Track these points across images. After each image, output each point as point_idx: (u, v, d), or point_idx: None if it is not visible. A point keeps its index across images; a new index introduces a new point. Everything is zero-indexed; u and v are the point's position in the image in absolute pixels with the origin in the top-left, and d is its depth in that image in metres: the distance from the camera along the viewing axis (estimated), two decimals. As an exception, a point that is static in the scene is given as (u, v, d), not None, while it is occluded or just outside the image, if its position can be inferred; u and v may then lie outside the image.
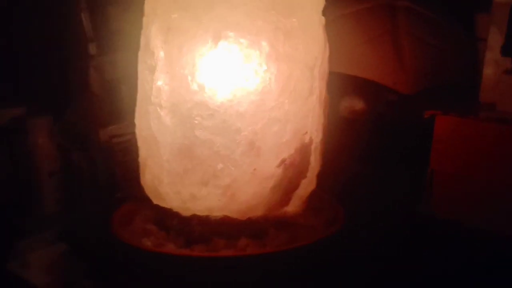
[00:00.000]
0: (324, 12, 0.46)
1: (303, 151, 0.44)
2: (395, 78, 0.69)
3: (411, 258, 0.47)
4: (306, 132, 0.44)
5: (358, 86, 0.71)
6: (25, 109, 0.74)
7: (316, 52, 0.44)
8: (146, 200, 0.51)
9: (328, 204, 0.51)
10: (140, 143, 0.48)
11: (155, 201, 0.46)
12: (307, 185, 0.46)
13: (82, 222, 0.53)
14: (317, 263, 0.42)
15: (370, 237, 0.48)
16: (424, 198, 0.55)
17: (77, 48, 0.81)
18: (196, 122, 0.43)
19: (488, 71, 0.64)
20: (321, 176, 0.47)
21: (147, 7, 0.46)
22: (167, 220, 0.46)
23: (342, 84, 0.70)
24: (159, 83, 0.45)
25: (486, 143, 0.51)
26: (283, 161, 0.43)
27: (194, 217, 0.44)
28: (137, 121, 0.48)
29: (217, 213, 0.44)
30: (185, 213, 0.45)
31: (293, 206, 0.45)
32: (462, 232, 0.51)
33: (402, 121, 0.66)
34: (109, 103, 0.77)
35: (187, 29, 0.43)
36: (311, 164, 0.45)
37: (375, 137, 0.65)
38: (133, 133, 0.73)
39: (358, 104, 0.72)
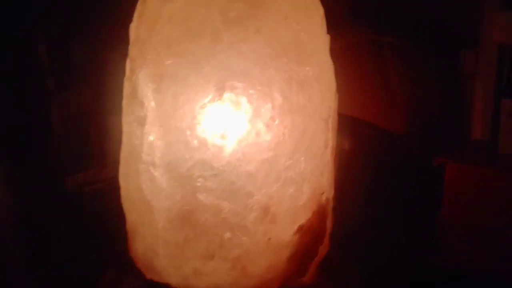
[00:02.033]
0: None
1: (321, 213, 0.39)
2: (387, 117, 0.66)
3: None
4: (323, 192, 0.39)
5: (346, 124, 0.68)
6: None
7: (330, 101, 0.39)
8: (130, 267, 0.44)
9: (338, 263, 0.45)
10: (127, 206, 0.41)
11: (148, 276, 0.40)
12: (323, 249, 0.40)
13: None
14: None
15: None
16: (436, 247, 0.51)
17: (35, 85, 0.73)
18: (198, 184, 0.37)
19: (482, 109, 0.62)
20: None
21: (134, 50, 0.40)
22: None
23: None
24: (151, 138, 0.38)
25: (499, 191, 0.48)
26: (301, 227, 0.37)
27: (197, 295, 0.38)
28: (122, 180, 0.42)
29: (224, 290, 0.38)
30: (186, 289, 0.38)
31: (310, 275, 0.40)
32: (475, 283, 0.48)
33: (399, 162, 0.63)
34: (76, 145, 0.70)
35: (185, 77, 0.37)
36: (327, 226, 0.40)
37: (372, 181, 0.61)
38: (106, 180, 0.67)
39: (345, 144, 0.68)
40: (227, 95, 0.36)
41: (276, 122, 0.36)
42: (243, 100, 0.36)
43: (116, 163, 0.68)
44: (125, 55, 0.77)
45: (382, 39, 0.69)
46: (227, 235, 0.37)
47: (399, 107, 0.66)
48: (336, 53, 0.68)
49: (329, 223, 0.41)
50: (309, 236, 0.38)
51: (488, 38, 0.60)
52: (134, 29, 0.40)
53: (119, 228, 0.63)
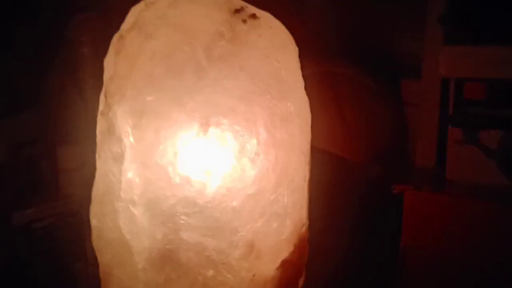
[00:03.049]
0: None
1: (301, 246, 0.40)
2: (342, 145, 0.69)
3: None
4: (303, 225, 0.40)
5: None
6: None
7: (308, 136, 0.41)
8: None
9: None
10: (100, 247, 0.39)
11: (125, 320, 0.38)
12: (302, 282, 0.41)
13: None
14: None
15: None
16: (399, 276, 0.53)
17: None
18: (181, 221, 0.36)
19: (424, 137, 0.66)
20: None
21: (111, 86, 0.39)
22: None
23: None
24: (130, 175, 0.37)
25: (454, 216, 0.52)
26: (284, 261, 0.38)
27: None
28: (95, 220, 0.40)
29: (208, 330, 0.37)
30: (167, 332, 0.37)
31: (289, 308, 0.40)
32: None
33: (357, 188, 0.65)
34: (22, 177, 0.67)
35: (167, 113, 0.37)
36: (306, 258, 0.41)
37: (335, 209, 0.63)
38: (56, 215, 0.63)
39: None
40: (212, 131, 0.36)
41: (261, 157, 0.37)
42: (229, 135, 0.36)
43: (68, 197, 0.66)
44: (73, 81, 0.75)
45: (335, 70, 0.72)
46: (211, 273, 0.36)
47: (353, 134, 0.69)
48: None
49: (306, 256, 0.42)
50: (291, 270, 0.39)
51: (430, 70, 0.64)
52: (111, 65, 0.39)
53: (75, 265, 0.60)
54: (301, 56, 0.76)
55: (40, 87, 0.73)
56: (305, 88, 0.70)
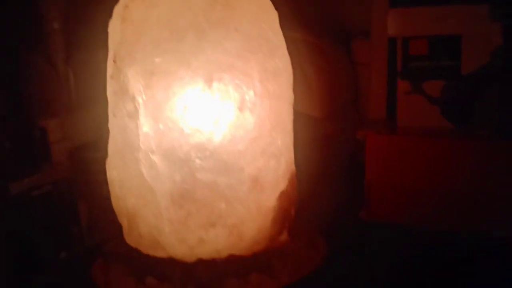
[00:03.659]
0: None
1: (293, 181, 0.47)
2: (306, 103, 0.76)
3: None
4: (293, 162, 0.47)
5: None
6: None
7: (291, 87, 0.48)
8: (114, 254, 0.48)
9: (299, 225, 0.54)
10: (122, 194, 0.45)
11: (151, 252, 0.44)
12: (293, 212, 0.49)
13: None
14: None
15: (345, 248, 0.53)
16: (365, 205, 0.62)
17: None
18: (196, 165, 0.42)
19: (375, 92, 0.74)
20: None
21: (121, 52, 0.44)
22: (166, 270, 0.44)
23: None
24: (146, 129, 0.43)
25: (410, 155, 0.61)
26: (282, 193, 0.45)
27: (200, 261, 0.43)
28: (115, 171, 0.45)
29: (224, 254, 0.44)
30: (188, 259, 0.43)
31: (285, 234, 0.48)
32: (397, 232, 0.60)
33: (321, 141, 0.74)
34: (14, 148, 0.69)
35: (174, 72, 0.42)
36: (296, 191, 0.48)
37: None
38: (52, 183, 0.66)
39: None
40: (215, 85, 0.42)
41: (258, 106, 0.43)
42: (230, 89, 0.42)
43: (59, 165, 0.69)
44: (46, 56, 0.76)
45: (295, 36, 0.79)
46: (223, 206, 0.43)
47: (316, 93, 0.77)
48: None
49: (296, 189, 0.49)
50: (286, 200, 0.46)
51: (378, 32, 0.72)
52: (118, 32, 0.43)
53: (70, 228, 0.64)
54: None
55: (16, 63, 0.75)
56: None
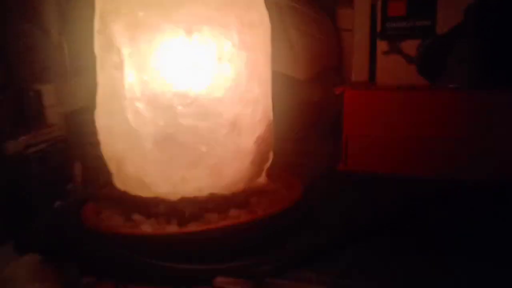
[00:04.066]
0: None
1: (269, 127, 0.51)
2: (291, 67, 0.80)
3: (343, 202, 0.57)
4: (270, 110, 0.51)
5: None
6: None
7: (269, 41, 0.51)
8: (104, 198, 0.52)
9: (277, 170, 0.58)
10: (110, 140, 0.49)
11: (137, 192, 0.48)
12: (270, 156, 0.53)
13: (45, 230, 0.51)
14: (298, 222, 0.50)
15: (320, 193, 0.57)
16: (342, 157, 0.66)
17: None
18: (178, 111, 0.46)
19: (361, 54, 0.78)
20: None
21: (106, 8, 0.47)
22: (151, 208, 0.48)
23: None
24: (130, 79, 0.46)
25: (384, 108, 0.65)
26: (258, 137, 0.49)
27: (183, 199, 0.47)
28: (103, 119, 0.49)
29: (205, 192, 0.48)
30: (172, 197, 0.47)
31: (263, 177, 0.52)
32: (373, 180, 0.64)
33: (303, 102, 0.77)
34: (6, 111, 0.72)
35: (156, 25, 0.46)
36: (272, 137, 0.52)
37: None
38: (46, 142, 0.70)
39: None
40: (195, 37, 0.46)
41: (235, 56, 0.47)
42: (209, 40, 0.46)
43: (53, 126, 0.73)
44: (34, 24, 0.79)
45: (280, 2, 0.82)
46: (204, 148, 0.47)
47: (299, 57, 0.81)
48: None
49: (272, 136, 0.53)
50: (264, 145, 0.50)
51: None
52: (103, -13, 0.47)
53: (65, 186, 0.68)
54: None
55: (8, 32, 0.78)
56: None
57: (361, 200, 0.58)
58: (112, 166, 0.50)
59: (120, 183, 0.49)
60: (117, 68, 0.47)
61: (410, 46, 0.69)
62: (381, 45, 0.72)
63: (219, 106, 0.46)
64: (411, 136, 0.64)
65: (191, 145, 0.46)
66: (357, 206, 0.56)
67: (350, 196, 0.59)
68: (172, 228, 0.45)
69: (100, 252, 0.44)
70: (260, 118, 0.49)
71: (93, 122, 0.52)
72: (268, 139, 0.51)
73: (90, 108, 0.73)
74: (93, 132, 0.54)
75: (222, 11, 0.46)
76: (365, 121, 0.65)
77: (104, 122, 0.49)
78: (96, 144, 0.55)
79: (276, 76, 0.78)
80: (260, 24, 0.49)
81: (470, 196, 0.57)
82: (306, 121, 0.74)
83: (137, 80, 0.46)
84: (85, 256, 0.45)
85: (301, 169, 0.63)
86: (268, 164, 0.52)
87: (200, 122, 0.46)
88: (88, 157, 0.72)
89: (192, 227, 0.46)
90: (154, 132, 0.46)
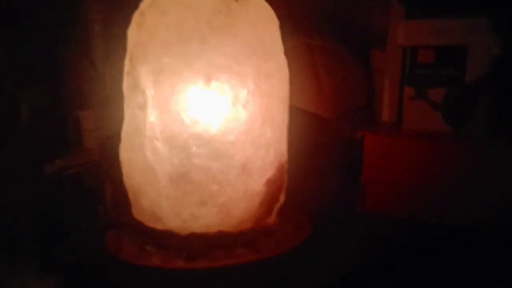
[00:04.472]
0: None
1: (281, 170, 0.53)
2: (317, 104, 0.82)
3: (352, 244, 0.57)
4: (283, 154, 0.53)
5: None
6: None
7: (286, 88, 0.53)
8: (127, 226, 0.55)
9: (291, 211, 0.60)
10: (130, 173, 0.52)
11: (151, 224, 0.51)
12: (282, 198, 0.54)
13: (69, 253, 0.55)
14: (304, 262, 0.51)
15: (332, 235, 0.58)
16: (361, 200, 0.67)
17: (2, 82, 0.80)
18: (193, 151, 0.49)
19: (389, 96, 0.79)
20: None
21: (136, 52, 0.51)
22: (164, 240, 0.51)
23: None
24: (152, 118, 0.50)
25: (404, 154, 0.65)
26: (268, 179, 0.51)
27: (193, 234, 0.50)
28: (125, 153, 0.53)
29: (213, 229, 0.50)
30: (183, 232, 0.50)
31: (273, 217, 0.54)
32: (391, 224, 0.64)
33: (329, 140, 0.79)
34: (47, 137, 0.78)
35: (179, 71, 0.49)
36: (285, 180, 0.54)
37: (314, 156, 0.76)
38: (81, 165, 0.76)
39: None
40: (213, 84, 0.49)
41: (250, 103, 0.50)
42: (226, 87, 0.49)
43: (89, 150, 0.78)
44: (81, 55, 0.86)
45: (312, 42, 0.85)
46: (215, 187, 0.49)
47: (326, 96, 0.82)
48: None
49: (286, 178, 0.55)
50: (274, 187, 0.52)
51: (394, 41, 0.77)
52: (135, 35, 0.51)
53: (96, 202, 0.73)
54: (283, 31, 0.89)
55: (58, 60, 0.84)
56: (287, 58, 0.83)
57: (371, 241, 0.58)
58: (130, 197, 0.53)
59: (136, 214, 0.53)
60: (141, 108, 0.51)
61: (437, 93, 0.70)
62: (408, 91, 0.73)
63: (231, 149, 0.49)
64: (429, 183, 0.64)
65: (202, 184, 0.49)
66: (365, 247, 0.56)
67: (361, 237, 0.59)
68: (179, 263, 0.48)
69: (117, 279, 0.47)
70: (271, 161, 0.51)
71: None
72: (279, 181, 0.53)
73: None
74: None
75: (239, 61, 0.49)
76: (385, 165, 0.66)
77: (126, 155, 0.52)
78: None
79: (302, 114, 0.82)
80: (277, 73, 0.51)
81: (486, 244, 0.56)
82: (330, 159, 0.75)
83: (158, 120, 0.50)
84: (103, 282, 0.48)
85: (317, 208, 0.64)
86: (278, 205, 0.54)
87: (213, 163, 0.49)
88: (119, 181, 0.77)
89: (198, 263, 0.48)
90: (169, 169, 0.49)
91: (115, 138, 0.80)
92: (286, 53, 0.83)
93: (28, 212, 0.72)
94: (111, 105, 0.83)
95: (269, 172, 0.51)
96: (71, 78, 0.85)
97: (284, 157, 0.54)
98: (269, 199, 0.52)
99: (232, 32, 0.49)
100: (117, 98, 0.83)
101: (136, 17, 0.52)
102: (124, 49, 0.83)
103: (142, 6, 0.51)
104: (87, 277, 0.49)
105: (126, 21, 0.81)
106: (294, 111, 0.80)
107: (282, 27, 0.86)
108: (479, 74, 0.67)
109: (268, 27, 0.51)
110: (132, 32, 0.52)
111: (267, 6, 0.53)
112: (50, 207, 0.72)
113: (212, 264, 0.48)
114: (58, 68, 0.84)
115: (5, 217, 0.70)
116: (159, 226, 0.51)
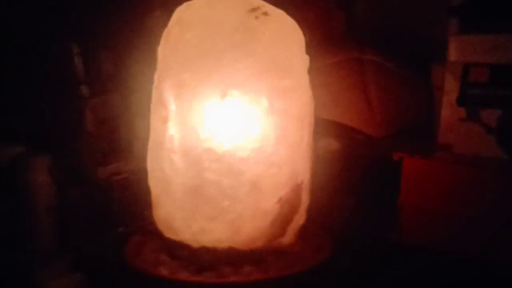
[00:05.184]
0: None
1: (296, 190, 0.52)
2: (366, 122, 0.79)
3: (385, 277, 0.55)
4: (298, 174, 0.52)
5: (333, 129, 0.81)
6: (25, 148, 0.80)
7: (305, 107, 0.52)
8: (152, 233, 0.58)
9: (315, 233, 0.58)
10: (152, 183, 0.54)
11: (167, 234, 0.53)
12: (299, 219, 0.53)
13: (95, 254, 0.59)
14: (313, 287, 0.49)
15: (354, 261, 0.56)
16: (395, 227, 0.63)
17: (71, 90, 0.87)
18: (205, 165, 0.50)
19: (445, 117, 0.74)
20: (309, 210, 0.55)
21: (160, 67, 0.53)
22: (178, 251, 0.52)
23: (319, 127, 0.79)
24: (171, 132, 0.52)
25: (445, 180, 0.61)
26: (280, 198, 0.50)
27: (203, 248, 0.51)
28: (149, 164, 0.55)
29: (223, 244, 0.50)
30: (195, 244, 0.51)
31: (288, 237, 0.53)
32: (426, 256, 0.60)
33: (373, 160, 0.76)
34: (104, 142, 0.84)
35: (197, 86, 0.51)
36: (302, 200, 0.53)
37: (348, 173, 0.74)
38: (130, 171, 0.80)
39: (333, 145, 0.81)
40: (228, 100, 0.50)
41: (263, 120, 0.50)
42: (240, 103, 0.49)
43: (139, 158, 0.82)
44: (148, 67, 0.91)
45: (363, 57, 0.82)
46: (226, 203, 0.50)
47: (376, 114, 0.79)
48: (327, 69, 0.83)
49: (304, 199, 0.54)
50: (287, 207, 0.51)
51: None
52: (161, 50, 0.53)
53: (141, 207, 0.76)
54: (337, 44, 0.87)
55: (122, 73, 0.90)
56: (335, 72, 0.81)
57: (396, 271, 0.55)
58: (153, 207, 0.55)
59: (156, 223, 0.55)
60: (163, 121, 0.53)
61: (490, 115, 0.64)
62: (459, 111, 0.68)
63: (242, 165, 0.49)
64: (469, 213, 0.59)
65: (213, 199, 0.50)
66: (388, 277, 0.53)
67: (386, 267, 0.56)
68: (185, 275, 0.49)
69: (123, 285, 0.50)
70: (284, 180, 0.51)
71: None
72: (293, 201, 0.52)
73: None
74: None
75: (254, 78, 0.49)
76: (422, 191, 0.62)
77: (151, 166, 0.55)
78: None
79: (349, 131, 0.79)
80: (292, 91, 0.51)
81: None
82: (369, 181, 0.72)
83: (176, 134, 0.52)
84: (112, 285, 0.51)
85: (344, 231, 0.62)
86: (295, 226, 0.53)
87: (224, 178, 0.49)
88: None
89: (203, 277, 0.49)
90: (183, 182, 0.51)
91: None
92: (333, 68, 0.82)
93: (78, 211, 0.77)
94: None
95: (282, 191, 0.51)
96: (133, 92, 0.90)
97: (301, 177, 0.53)
98: (282, 219, 0.51)
99: (247, 49, 0.49)
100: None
101: (164, 35, 0.54)
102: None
103: (170, 23, 0.54)
104: (99, 278, 0.51)
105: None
106: (337, 126, 0.79)
107: (328, 42, 0.84)
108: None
109: (286, 44, 0.51)
110: (161, 49, 0.54)
111: (289, 23, 0.53)
112: (98, 209, 0.77)
113: (217, 279, 0.48)
114: (127, 81, 0.90)
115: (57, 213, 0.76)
116: (173, 236, 0.52)
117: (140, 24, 0.88)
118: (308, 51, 0.86)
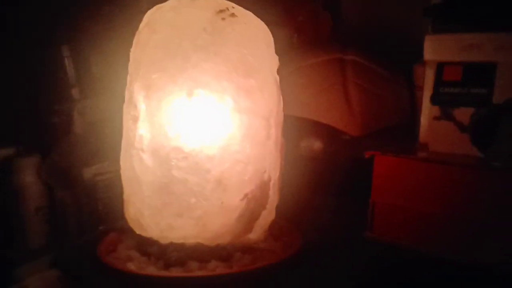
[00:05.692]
0: (284, 65, 0.56)
1: (263, 187, 0.53)
2: (345, 122, 0.80)
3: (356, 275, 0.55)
4: (265, 171, 0.53)
5: (315, 128, 0.82)
6: (14, 149, 0.82)
7: (271, 105, 0.54)
8: (127, 231, 0.59)
9: (287, 231, 0.59)
10: (124, 182, 0.56)
11: (137, 232, 0.54)
12: (267, 215, 0.54)
13: (72, 251, 0.60)
14: (277, 282, 0.50)
15: (323, 258, 0.56)
16: (368, 225, 0.64)
17: (61, 93, 0.89)
18: (173, 163, 0.51)
19: (424, 116, 0.74)
20: (282, 208, 0.56)
21: (131, 68, 0.55)
22: (147, 247, 0.54)
23: (301, 127, 0.80)
24: (141, 131, 0.53)
25: (417, 178, 0.61)
26: (246, 195, 0.51)
27: (171, 244, 0.52)
28: (121, 163, 0.56)
29: (190, 241, 0.52)
30: (163, 241, 0.52)
31: (255, 234, 0.54)
32: (399, 253, 0.61)
33: (352, 158, 0.76)
34: (91, 144, 0.85)
35: (165, 87, 0.52)
36: (270, 197, 0.54)
37: (330, 173, 0.75)
38: (115, 172, 0.82)
39: (315, 144, 0.82)
40: (194, 99, 0.51)
41: (229, 119, 0.51)
42: (206, 102, 0.51)
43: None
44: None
45: (344, 57, 0.83)
46: (193, 200, 0.51)
47: (356, 113, 0.80)
48: (308, 69, 0.84)
49: (273, 196, 0.55)
50: (254, 203, 0.52)
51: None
52: (132, 52, 0.55)
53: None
54: (316, 46, 0.88)
55: (112, 76, 0.92)
56: (315, 72, 0.82)
57: (365, 269, 0.55)
58: (124, 204, 0.57)
59: (128, 220, 0.56)
60: (134, 121, 0.54)
61: (464, 113, 0.65)
62: (433, 110, 0.68)
63: (208, 163, 0.50)
64: (440, 211, 0.59)
65: (180, 196, 0.51)
66: (356, 275, 0.54)
67: (355, 263, 0.57)
68: (152, 270, 0.50)
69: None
70: (249, 178, 0.52)
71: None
72: (260, 199, 0.53)
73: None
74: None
75: (219, 78, 0.50)
76: (394, 189, 0.63)
77: (122, 165, 0.56)
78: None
79: (330, 131, 0.80)
80: (259, 90, 0.52)
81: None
82: (343, 179, 0.73)
83: (146, 133, 0.53)
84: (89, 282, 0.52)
85: (317, 229, 0.63)
86: (263, 222, 0.54)
87: (190, 176, 0.51)
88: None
89: (170, 272, 0.50)
90: (152, 180, 0.52)
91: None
92: (314, 68, 0.83)
93: (65, 211, 0.79)
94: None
95: (248, 188, 0.52)
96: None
97: (268, 174, 0.54)
98: (249, 216, 0.52)
99: (213, 49, 0.50)
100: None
101: (136, 36, 0.55)
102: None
103: (140, 25, 0.55)
104: (75, 274, 0.53)
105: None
106: (319, 126, 0.80)
107: (312, 42, 0.85)
108: (509, 93, 0.61)
109: (252, 45, 0.52)
110: (132, 51, 0.55)
111: (257, 24, 0.54)
112: (84, 209, 0.79)
113: (181, 274, 0.49)
114: (111, 85, 0.92)
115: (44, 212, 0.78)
116: (143, 233, 0.54)
117: (130, 27, 0.90)
118: (295, 52, 0.88)
